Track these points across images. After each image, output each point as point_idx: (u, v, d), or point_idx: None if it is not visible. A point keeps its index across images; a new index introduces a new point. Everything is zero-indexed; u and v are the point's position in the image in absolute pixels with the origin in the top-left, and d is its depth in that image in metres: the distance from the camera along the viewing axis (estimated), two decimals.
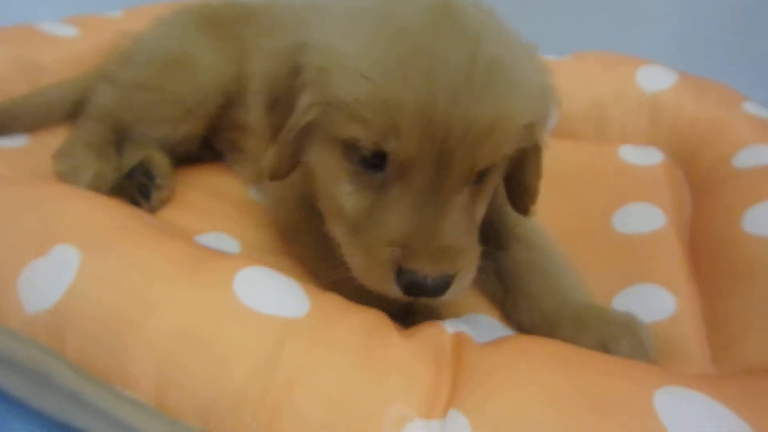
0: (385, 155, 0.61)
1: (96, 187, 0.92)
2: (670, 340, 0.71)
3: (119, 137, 1.04)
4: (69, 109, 1.12)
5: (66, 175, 0.94)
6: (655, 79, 1.22)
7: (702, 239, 0.88)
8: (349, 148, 0.63)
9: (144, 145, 1.03)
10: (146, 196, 0.95)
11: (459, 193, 0.63)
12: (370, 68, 0.59)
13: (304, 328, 0.56)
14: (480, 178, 0.65)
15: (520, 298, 0.77)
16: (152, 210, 0.95)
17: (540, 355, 0.55)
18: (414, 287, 0.60)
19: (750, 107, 1.10)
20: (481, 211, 0.69)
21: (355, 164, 0.64)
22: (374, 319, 0.61)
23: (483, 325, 0.78)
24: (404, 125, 0.58)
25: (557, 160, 1.13)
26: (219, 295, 0.57)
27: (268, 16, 1.10)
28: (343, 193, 0.65)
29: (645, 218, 0.95)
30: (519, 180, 0.74)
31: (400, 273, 0.60)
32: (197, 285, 0.58)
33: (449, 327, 0.63)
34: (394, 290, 0.61)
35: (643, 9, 1.86)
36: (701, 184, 1.01)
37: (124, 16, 1.47)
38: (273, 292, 0.59)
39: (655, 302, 0.78)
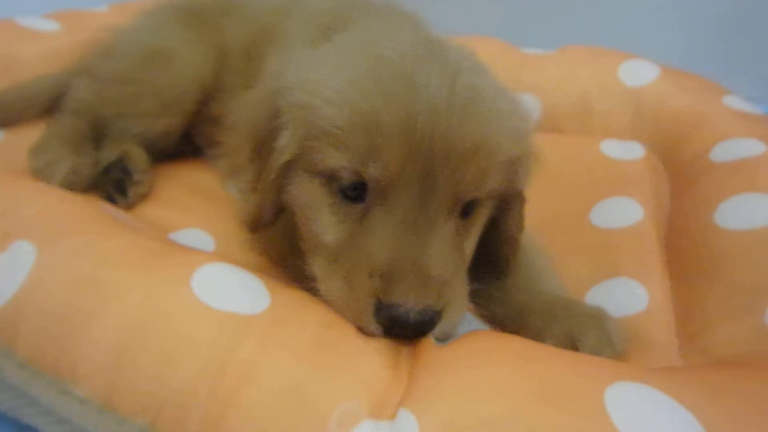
0: (366, 184, 0.60)
1: (71, 182, 0.91)
2: (642, 333, 0.71)
3: (97, 132, 1.03)
4: (47, 103, 1.11)
5: (40, 171, 0.93)
6: (637, 73, 1.22)
7: (677, 233, 0.88)
8: (329, 179, 0.62)
9: (122, 141, 1.02)
10: (123, 192, 0.95)
11: (445, 222, 0.61)
12: (349, 94, 0.59)
13: (260, 325, 0.55)
14: (467, 212, 0.65)
15: (493, 288, 0.76)
16: (128, 206, 0.95)
17: (495, 353, 0.54)
18: (395, 323, 0.57)
19: (730, 100, 1.09)
20: (469, 248, 0.68)
21: (335, 195, 0.63)
22: (335, 315, 0.60)
23: None
24: (384, 145, 0.58)
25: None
26: (175, 291, 0.56)
27: (250, 8, 1.09)
28: (323, 225, 0.63)
29: (623, 213, 0.95)
30: (500, 230, 0.73)
31: (380, 308, 0.57)
32: (154, 280, 0.57)
33: None
34: (373, 327, 0.58)
35: (637, 7, 1.86)
36: (680, 178, 1.01)
37: (109, 12, 1.46)
38: (231, 289, 0.58)
39: (628, 296, 0.78)
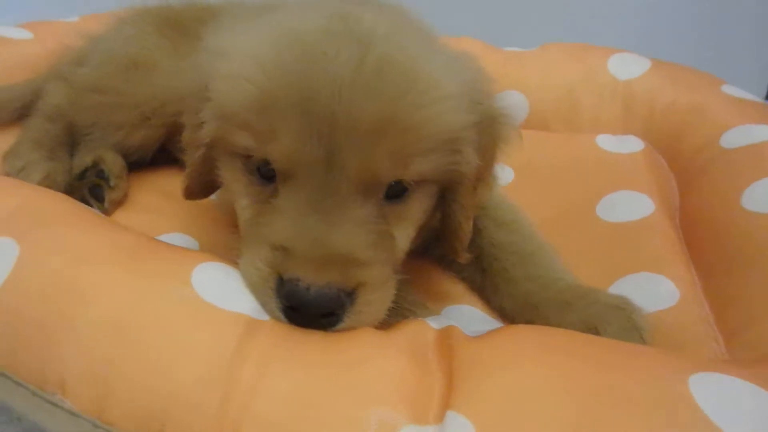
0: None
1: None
2: (678, 328, 0.66)
3: (72, 138, 0.99)
4: (19, 111, 1.06)
5: (13, 177, 0.88)
6: (627, 67, 1.18)
7: (698, 224, 0.83)
8: (246, 159, 0.60)
9: (97, 147, 0.98)
10: (99, 197, 0.90)
11: (361, 205, 0.56)
12: (253, 72, 0.56)
13: (270, 327, 0.49)
14: (396, 195, 0.59)
15: (500, 280, 0.73)
16: (105, 212, 0.89)
17: (540, 347, 0.49)
18: (295, 300, 0.52)
19: (728, 89, 1.06)
20: (403, 235, 0.62)
21: (251, 175, 0.60)
22: None
23: (467, 317, 0.73)
24: (282, 125, 0.54)
25: (530, 152, 1.10)
26: (173, 287, 0.50)
27: (229, 15, 1.06)
28: (241, 206, 0.62)
29: (632, 206, 0.91)
30: (448, 216, 0.67)
31: (281, 285, 0.53)
32: (148, 275, 0.51)
33: (434, 323, 0.56)
34: (275, 306, 0.53)
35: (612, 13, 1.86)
36: (686, 169, 0.97)
37: (80, 22, 1.42)
38: (236, 288, 0.53)
39: (655, 291, 0.73)
